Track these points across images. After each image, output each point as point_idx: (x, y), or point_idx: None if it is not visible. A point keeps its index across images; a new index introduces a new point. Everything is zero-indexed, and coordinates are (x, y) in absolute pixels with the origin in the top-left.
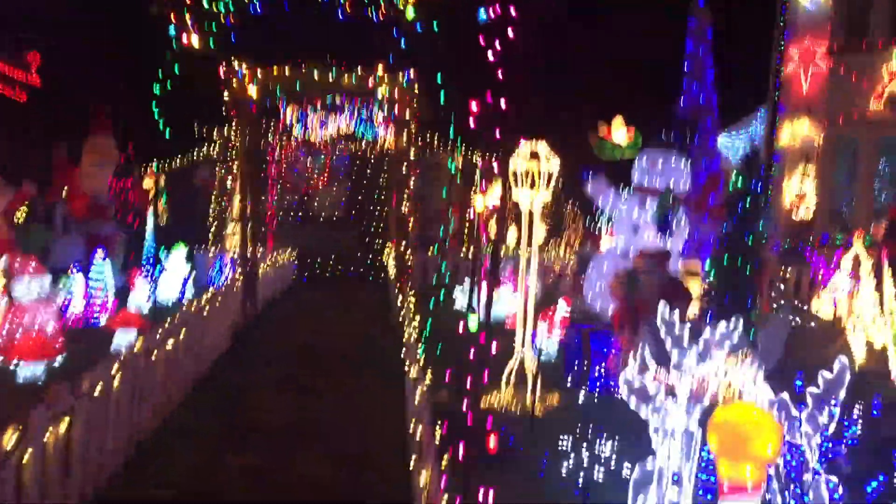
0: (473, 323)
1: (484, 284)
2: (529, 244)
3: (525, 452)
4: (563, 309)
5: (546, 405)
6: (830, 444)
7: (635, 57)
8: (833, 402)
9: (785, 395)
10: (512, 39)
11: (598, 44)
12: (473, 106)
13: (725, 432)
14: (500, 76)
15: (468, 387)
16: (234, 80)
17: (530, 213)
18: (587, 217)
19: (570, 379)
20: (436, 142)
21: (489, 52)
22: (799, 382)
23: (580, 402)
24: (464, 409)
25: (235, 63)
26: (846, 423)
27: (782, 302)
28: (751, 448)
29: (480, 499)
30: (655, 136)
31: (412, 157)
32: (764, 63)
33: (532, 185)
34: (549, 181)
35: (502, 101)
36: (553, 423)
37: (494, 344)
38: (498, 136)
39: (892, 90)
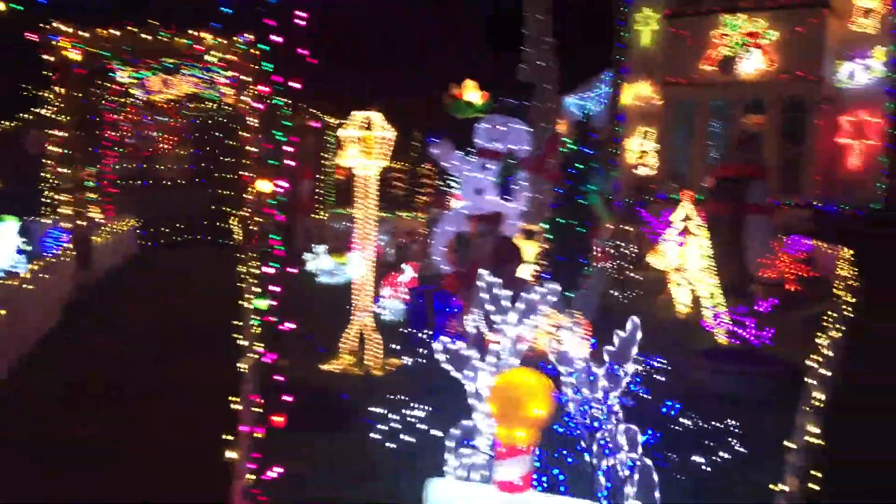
0: (261, 303)
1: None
2: (367, 210)
3: (360, 414)
4: (409, 273)
5: (387, 366)
6: (619, 400)
7: (482, 21)
8: (626, 359)
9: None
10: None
11: (444, 8)
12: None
13: (501, 398)
14: (337, 44)
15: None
16: (53, 43)
17: (366, 180)
18: (442, 180)
19: (411, 339)
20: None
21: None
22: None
23: (420, 361)
24: (284, 379)
25: (57, 25)
26: (634, 380)
27: (622, 254)
28: (523, 411)
29: (278, 473)
30: (499, 100)
31: (256, 121)
32: (608, 27)
33: (367, 154)
34: (383, 149)
35: (299, 75)
36: (391, 385)
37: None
38: (305, 106)
39: (722, 54)
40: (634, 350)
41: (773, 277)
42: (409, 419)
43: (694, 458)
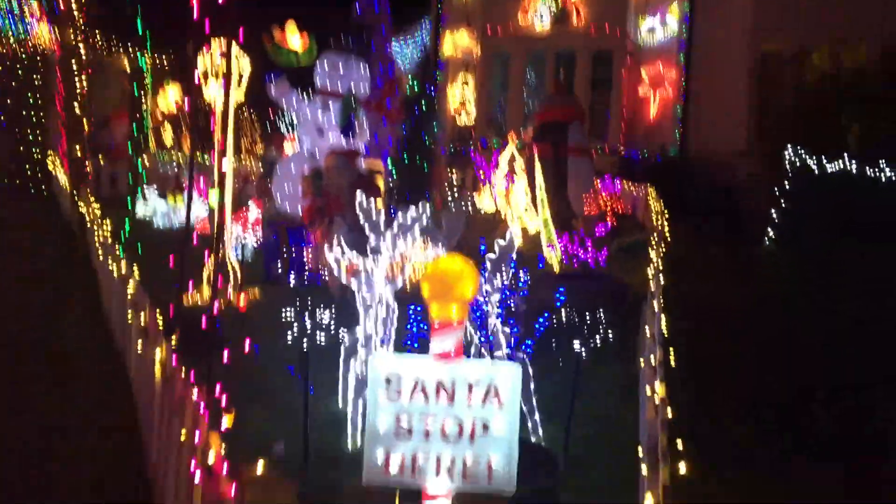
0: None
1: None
2: (224, 144)
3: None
4: (254, 211)
5: (249, 298)
6: (508, 294)
7: None
8: (506, 263)
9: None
10: None
11: None
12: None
13: (435, 280)
14: None
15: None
16: None
17: (224, 112)
18: (265, 122)
19: (270, 272)
20: (107, 41)
21: None
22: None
23: (288, 288)
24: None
25: None
26: (519, 281)
27: (454, 196)
28: (455, 291)
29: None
30: (334, 41)
31: (79, 57)
32: None
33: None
34: (240, 80)
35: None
36: (259, 312)
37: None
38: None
39: (537, 6)
40: (513, 255)
41: (594, 212)
42: (290, 336)
43: (574, 346)
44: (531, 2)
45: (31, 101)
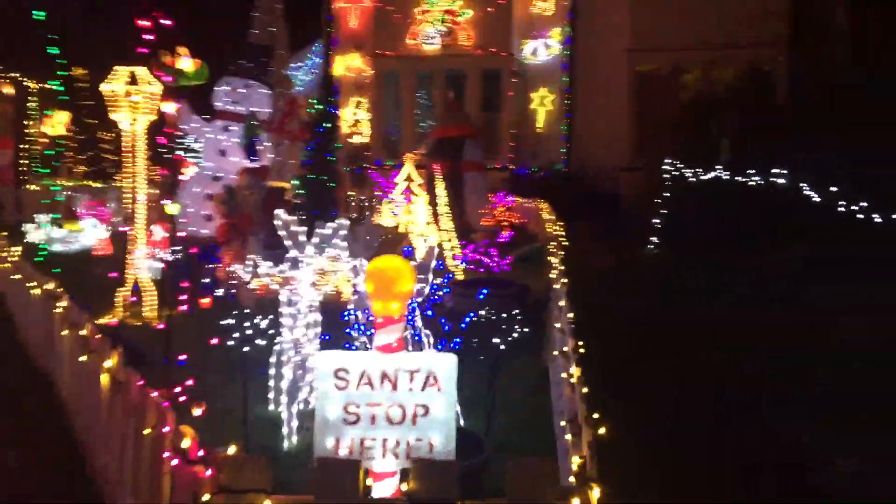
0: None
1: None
2: (135, 171)
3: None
4: (159, 233)
5: (164, 316)
6: (436, 294)
7: None
8: (427, 272)
9: None
10: None
11: None
12: None
13: (377, 277)
14: None
15: None
16: None
17: (133, 137)
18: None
19: (180, 292)
20: None
21: None
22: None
23: (192, 311)
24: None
25: None
26: (445, 280)
27: (359, 213)
28: (396, 287)
29: None
30: (234, 64)
31: None
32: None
33: (134, 108)
34: (150, 103)
35: None
36: (177, 329)
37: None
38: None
39: (424, 29)
40: (433, 265)
41: (491, 225)
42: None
43: (489, 343)
44: (419, 24)
45: None
